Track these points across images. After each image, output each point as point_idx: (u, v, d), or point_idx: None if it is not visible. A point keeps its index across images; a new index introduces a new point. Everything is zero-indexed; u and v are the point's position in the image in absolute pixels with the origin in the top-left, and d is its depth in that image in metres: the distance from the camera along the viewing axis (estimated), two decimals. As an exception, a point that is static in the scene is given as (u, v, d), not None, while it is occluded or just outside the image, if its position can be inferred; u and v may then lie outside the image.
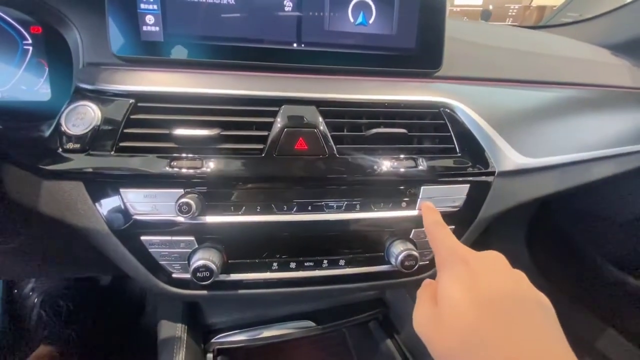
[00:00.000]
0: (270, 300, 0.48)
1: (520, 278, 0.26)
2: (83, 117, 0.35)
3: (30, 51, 0.43)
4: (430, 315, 0.25)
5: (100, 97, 0.36)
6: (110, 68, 0.39)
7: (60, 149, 0.35)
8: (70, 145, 0.34)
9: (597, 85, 0.56)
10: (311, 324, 0.48)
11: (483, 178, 0.42)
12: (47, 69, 0.44)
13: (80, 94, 0.37)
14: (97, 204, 0.35)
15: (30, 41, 0.43)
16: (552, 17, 1.38)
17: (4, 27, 0.42)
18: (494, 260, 0.27)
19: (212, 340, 0.45)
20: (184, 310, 0.45)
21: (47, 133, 0.36)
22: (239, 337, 0.46)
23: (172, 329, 0.43)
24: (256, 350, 0.47)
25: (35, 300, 0.78)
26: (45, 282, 0.81)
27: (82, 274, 0.83)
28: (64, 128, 0.35)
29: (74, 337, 0.78)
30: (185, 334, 0.42)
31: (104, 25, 0.38)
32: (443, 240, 0.29)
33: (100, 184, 0.35)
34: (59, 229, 0.38)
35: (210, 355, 0.44)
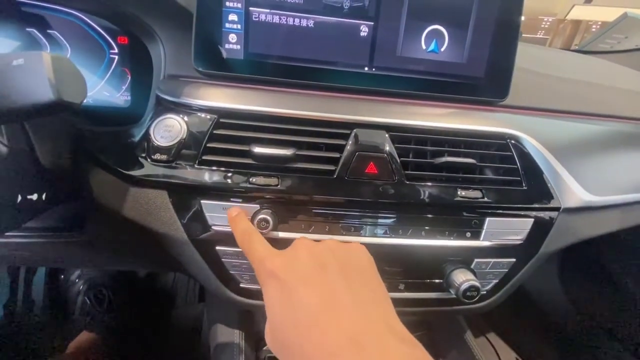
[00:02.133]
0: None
1: (331, 271, 0.25)
2: (170, 130, 0.37)
3: (116, 60, 0.46)
4: (267, 330, 0.25)
5: (185, 110, 0.38)
6: (191, 81, 0.41)
7: (149, 159, 0.37)
8: (158, 156, 0.37)
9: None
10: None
11: (548, 213, 0.42)
12: (129, 77, 0.46)
13: (164, 106, 0.39)
14: (178, 213, 0.37)
15: (116, 50, 0.46)
16: (596, 38, 1.34)
17: (93, 36, 0.45)
18: (304, 263, 0.25)
19: (264, 348, 0.47)
20: (240, 318, 0.46)
21: (136, 141, 0.38)
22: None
23: (229, 334, 0.44)
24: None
25: (81, 287, 0.82)
26: (90, 272, 0.85)
27: (146, 268, 0.87)
28: (152, 139, 0.37)
29: (113, 325, 0.82)
30: (243, 341, 0.44)
31: (187, 40, 0.40)
32: (254, 252, 0.28)
33: (183, 194, 0.37)
34: (136, 231, 0.40)
35: (262, 363, 0.46)
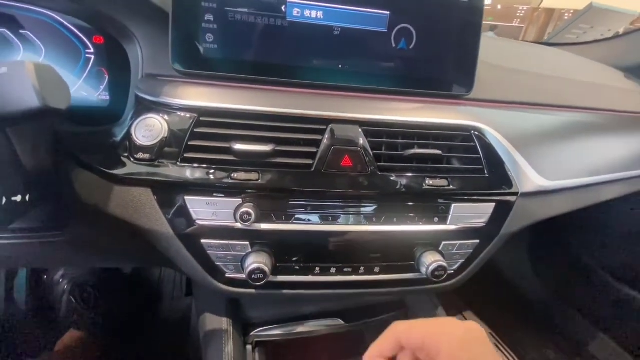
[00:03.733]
0: (303, 299, 0.52)
1: None
2: (152, 129, 0.38)
3: (92, 60, 0.46)
4: None
5: (165, 109, 0.40)
6: (169, 80, 0.42)
7: (132, 159, 0.38)
8: (140, 155, 0.38)
9: (608, 110, 0.60)
10: (340, 321, 0.52)
11: (507, 198, 0.46)
12: (107, 77, 0.47)
13: (144, 105, 0.40)
14: (163, 209, 0.39)
15: (92, 50, 0.46)
16: (564, 29, 1.41)
17: (68, 36, 0.45)
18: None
19: (252, 334, 0.49)
20: (227, 306, 0.49)
21: (117, 140, 0.39)
22: (275, 332, 0.50)
23: (218, 322, 0.47)
24: (288, 343, 0.51)
25: (65, 287, 0.82)
26: (73, 270, 0.85)
27: (129, 265, 0.87)
28: (134, 139, 0.38)
29: (100, 322, 0.83)
30: (231, 327, 0.46)
31: (164, 39, 0.41)
32: None
33: (167, 191, 0.38)
34: (121, 228, 0.42)
35: (249, 347, 0.49)
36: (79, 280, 0.83)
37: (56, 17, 0.43)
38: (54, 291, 0.83)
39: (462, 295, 1.22)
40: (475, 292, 1.27)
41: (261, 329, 0.50)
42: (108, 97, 0.47)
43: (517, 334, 1.14)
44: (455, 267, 0.47)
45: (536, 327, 1.16)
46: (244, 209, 0.37)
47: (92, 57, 0.46)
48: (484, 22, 0.47)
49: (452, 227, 0.44)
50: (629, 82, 0.74)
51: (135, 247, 0.51)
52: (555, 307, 1.20)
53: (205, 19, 0.41)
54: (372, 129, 0.43)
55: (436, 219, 0.44)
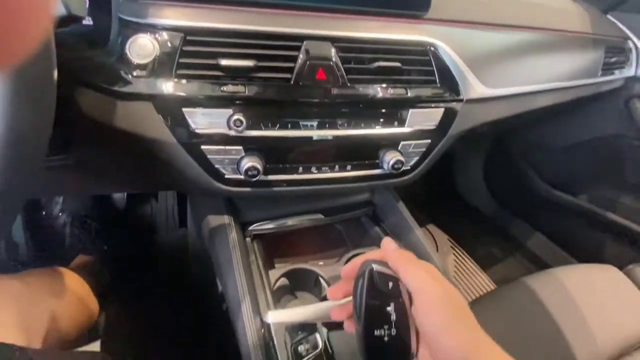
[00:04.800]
0: (289, 199, 0.62)
1: None
2: (144, 48, 0.42)
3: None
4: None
5: (152, 30, 0.43)
6: (151, 3, 0.45)
7: (130, 75, 0.43)
8: (137, 72, 0.43)
9: (549, 29, 0.68)
10: (321, 216, 0.64)
11: (454, 104, 0.56)
12: (87, 1, 0.48)
13: (132, 28, 0.44)
14: (165, 120, 0.45)
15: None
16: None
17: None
18: None
19: (249, 229, 0.60)
20: (226, 207, 0.58)
21: (113, 60, 0.43)
22: (268, 226, 0.61)
23: (220, 219, 0.56)
24: (280, 235, 0.62)
25: (65, 219, 0.88)
26: (71, 204, 0.90)
27: (132, 190, 0.93)
28: (130, 57, 0.42)
29: (105, 249, 0.91)
30: (232, 222, 0.56)
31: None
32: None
33: (166, 104, 0.44)
34: (124, 146, 0.47)
35: (248, 239, 0.59)
36: (78, 213, 0.89)
37: None
38: (55, 225, 0.89)
39: (428, 213, 1.40)
40: (439, 209, 1.46)
41: (257, 224, 0.60)
42: (91, 22, 0.49)
43: (470, 239, 1.35)
44: (412, 163, 0.57)
45: (485, 233, 1.38)
46: (235, 117, 0.44)
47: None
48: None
49: (409, 130, 0.54)
50: (573, 4, 0.82)
51: (138, 168, 0.58)
52: (502, 216, 1.41)
53: (180, -63, 0.43)
54: (343, 44, 0.49)
55: (396, 123, 0.53)
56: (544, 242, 1.31)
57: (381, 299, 0.33)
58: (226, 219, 0.56)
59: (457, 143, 0.62)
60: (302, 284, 0.59)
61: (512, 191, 1.38)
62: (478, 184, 1.49)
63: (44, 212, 0.90)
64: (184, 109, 0.45)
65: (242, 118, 0.45)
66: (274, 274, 0.57)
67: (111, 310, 0.82)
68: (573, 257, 1.21)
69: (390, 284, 0.34)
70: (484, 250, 1.30)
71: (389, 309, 0.33)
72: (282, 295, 0.57)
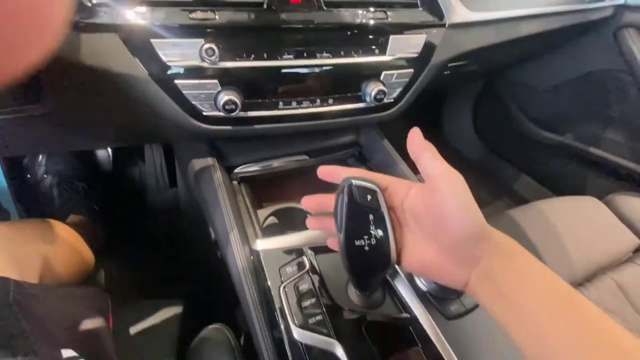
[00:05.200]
0: (274, 142, 0.62)
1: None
2: (102, -28, 0.39)
3: None
4: None
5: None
6: None
7: (90, 3, 0.40)
8: (98, 0, 0.40)
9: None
10: (306, 157, 0.64)
11: (437, 29, 0.54)
12: None
13: None
14: (133, 53, 0.42)
15: None
16: None
17: None
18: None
19: (235, 171, 0.60)
20: (210, 150, 0.57)
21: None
22: (254, 168, 0.60)
23: (205, 162, 0.56)
24: (266, 177, 0.63)
25: (51, 180, 0.87)
26: (55, 165, 0.88)
27: (111, 144, 0.91)
28: (88, -18, 0.39)
29: (97, 209, 0.91)
30: (217, 163, 0.56)
31: None
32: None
33: (133, 35, 0.42)
34: (94, 85, 0.46)
35: (235, 183, 0.59)
36: (64, 174, 0.88)
37: None
38: (40, 187, 0.88)
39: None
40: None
41: (242, 167, 0.60)
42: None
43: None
44: (394, 95, 0.56)
45: (473, 177, 1.40)
46: (207, 46, 0.42)
47: None
48: None
49: (390, 58, 0.52)
50: None
51: (115, 117, 0.56)
52: (490, 160, 1.43)
53: None
54: None
55: (377, 51, 0.51)
56: (530, 183, 1.35)
57: (360, 211, 0.34)
58: (210, 160, 0.56)
59: (444, 81, 0.61)
60: (292, 224, 0.60)
61: (501, 135, 1.39)
62: (467, 131, 1.49)
63: (28, 175, 0.88)
64: (152, 40, 0.42)
65: (214, 47, 0.43)
66: (262, 213, 0.58)
67: (111, 266, 0.84)
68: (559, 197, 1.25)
69: (369, 197, 0.34)
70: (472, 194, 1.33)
71: (368, 219, 0.34)
72: (272, 234, 0.58)
